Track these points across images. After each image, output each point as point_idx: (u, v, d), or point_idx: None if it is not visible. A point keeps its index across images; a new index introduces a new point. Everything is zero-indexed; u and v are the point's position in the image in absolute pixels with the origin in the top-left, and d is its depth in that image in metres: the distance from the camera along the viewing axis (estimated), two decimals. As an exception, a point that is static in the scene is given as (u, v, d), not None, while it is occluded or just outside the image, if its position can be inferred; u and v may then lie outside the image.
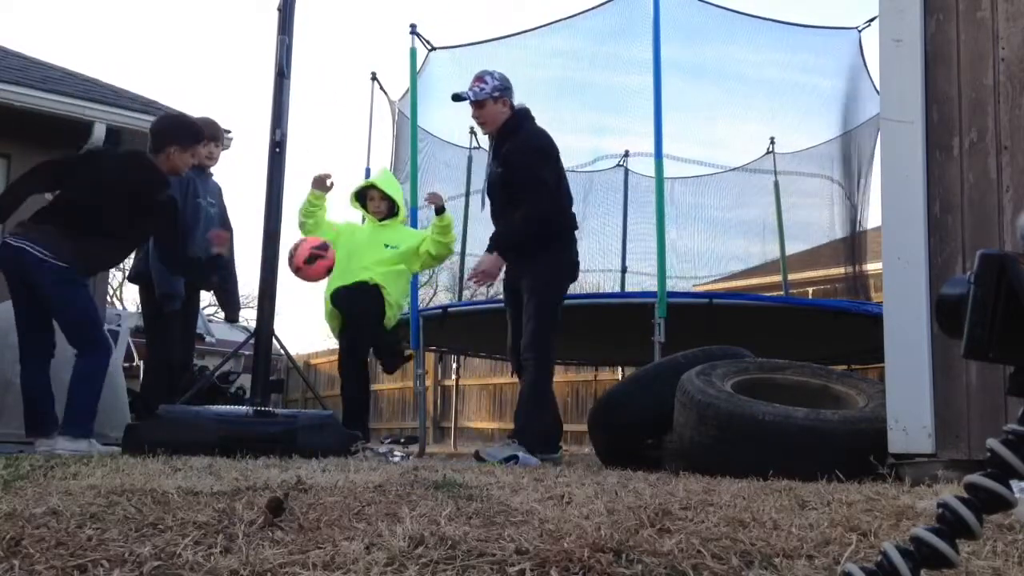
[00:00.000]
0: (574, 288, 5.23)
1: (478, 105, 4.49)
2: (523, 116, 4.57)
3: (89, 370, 4.02)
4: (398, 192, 5.40)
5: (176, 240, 4.30)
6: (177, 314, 4.75)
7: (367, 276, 4.99)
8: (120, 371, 6.22)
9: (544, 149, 4.45)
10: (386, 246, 5.12)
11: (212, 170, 5.16)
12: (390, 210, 5.25)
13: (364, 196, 5.34)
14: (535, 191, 4.32)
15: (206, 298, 5.32)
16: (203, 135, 4.48)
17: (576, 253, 4.67)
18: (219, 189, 5.19)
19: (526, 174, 4.33)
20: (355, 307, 4.97)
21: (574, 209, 4.70)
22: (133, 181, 4.12)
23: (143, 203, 4.11)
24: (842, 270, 9.59)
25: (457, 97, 4.55)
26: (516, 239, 4.36)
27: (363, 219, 5.50)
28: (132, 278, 5.14)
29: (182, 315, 4.86)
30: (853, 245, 9.45)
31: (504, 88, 4.51)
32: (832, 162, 9.60)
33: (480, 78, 4.51)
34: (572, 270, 4.68)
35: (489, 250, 4.46)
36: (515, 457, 3.91)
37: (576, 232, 4.65)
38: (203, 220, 4.91)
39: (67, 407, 3.99)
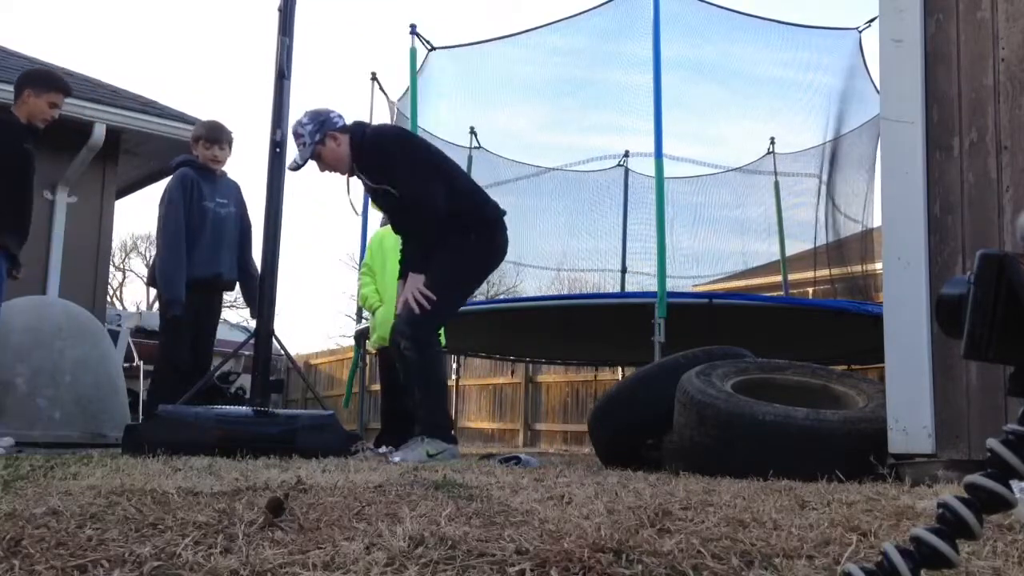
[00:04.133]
0: (574, 288, 5.20)
1: (317, 159, 4.06)
2: (357, 134, 4.07)
3: None
4: None
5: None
6: (185, 318, 4.73)
7: None
8: (120, 371, 6.22)
9: (394, 147, 4.03)
10: None
11: (223, 170, 5.13)
12: None
13: None
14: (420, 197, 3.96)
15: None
16: (61, 83, 4.42)
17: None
18: (236, 187, 5.15)
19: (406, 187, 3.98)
20: None
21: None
22: None
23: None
24: (843, 270, 9.60)
25: (296, 166, 4.07)
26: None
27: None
28: (150, 281, 5.18)
29: (195, 320, 4.84)
30: (840, 246, 9.47)
31: (321, 123, 4.03)
32: (824, 163, 9.63)
33: (296, 135, 4.08)
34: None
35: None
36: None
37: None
38: (210, 223, 4.89)
39: None
